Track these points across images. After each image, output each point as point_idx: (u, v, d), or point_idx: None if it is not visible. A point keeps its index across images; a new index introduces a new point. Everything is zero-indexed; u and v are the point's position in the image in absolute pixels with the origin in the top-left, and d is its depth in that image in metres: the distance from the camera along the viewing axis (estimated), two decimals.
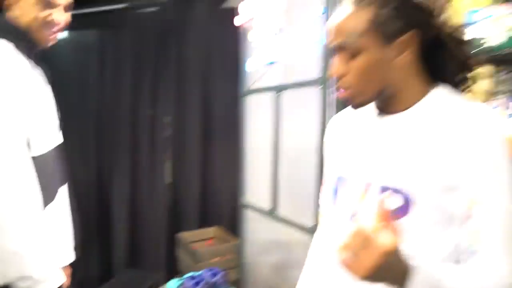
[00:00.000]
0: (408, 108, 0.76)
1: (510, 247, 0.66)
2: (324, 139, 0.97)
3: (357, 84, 0.74)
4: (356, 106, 0.78)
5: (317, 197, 1.61)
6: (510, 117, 1.60)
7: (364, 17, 0.70)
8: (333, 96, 1.73)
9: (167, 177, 3.28)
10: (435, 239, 0.70)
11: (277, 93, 2.18)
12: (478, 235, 0.66)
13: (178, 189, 3.26)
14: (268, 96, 2.28)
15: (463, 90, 0.79)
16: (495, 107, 1.63)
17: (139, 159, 3.14)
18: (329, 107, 1.71)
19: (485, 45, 1.57)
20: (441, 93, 0.75)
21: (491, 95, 1.76)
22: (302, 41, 1.93)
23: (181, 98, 3.19)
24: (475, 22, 1.61)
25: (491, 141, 0.67)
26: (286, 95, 2.14)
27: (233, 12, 2.77)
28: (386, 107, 0.78)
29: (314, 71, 1.86)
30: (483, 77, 1.77)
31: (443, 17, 0.73)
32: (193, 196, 3.21)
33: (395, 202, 0.71)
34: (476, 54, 1.08)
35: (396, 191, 0.72)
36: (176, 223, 3.22)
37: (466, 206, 0.67)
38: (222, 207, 3.17)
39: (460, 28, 0.78)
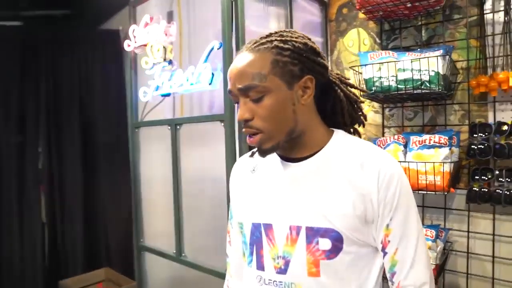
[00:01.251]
0: (317, 152, 0.80)
1: (424, 260, 0.75)
2: (230, 183, 0.96)
3: (265, 126, 0.75)
4: (265, 152, 0.78)
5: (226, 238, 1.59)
6: (401, 146, 1.73)
7: (266, 61, 0.74)
8: (238, 132, 1.66)
9: (42, 215, 2.82)
10: (366, 270, 0.77)
11: (175, 126, 2.07)
12: (398, 257, 0.75)
13: (56, 228, 2.81)
14: (164, 129, 2.14)
15: (353, 132, 0.89)
16: (388, 139, 1.77)
17: (4, 194, 2.63)
18: (233, 143, 1.63)
19: (375, 86, 1.69)
20: (341, 137, 0.83)
21: (381, 128, 1.96)
22: (200, 74, 1.81)
23: (57, 124, 2.80)
24: (366, 64, 1.74)
25: (394, 174, 0.75)
26: (186, 129, 2.04)
27: (117, 34, 2.57)
28: (295, 150, 0.81)
29: (215, 106, 1.80)
30: (375, 112, 1.93)
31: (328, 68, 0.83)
32: (76, 235, 2.83)
33: (325, 243, 0.75)
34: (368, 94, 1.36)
35: (325, 231, 0.75)
36: (57, 267, 2.80)
37: (383, 234, 0.75)
38: (112, 247, 2.87)
39: (347, 82, 0.89)
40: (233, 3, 1.63)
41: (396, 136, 1.75)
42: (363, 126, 0.91)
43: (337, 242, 0.75)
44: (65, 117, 2.80)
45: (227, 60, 1.64)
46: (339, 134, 0.83)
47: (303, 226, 0.77)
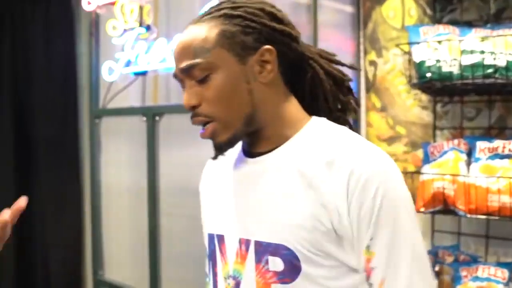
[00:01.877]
0: (282, 143, 0.71)
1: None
2: (199, 188, 0.89)
3: (215, 112, 0.68)
4: (221, 148, 0.70)
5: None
6: (463, 155, 1.47)
7: (211, 32, 0.67)
8: None
9: None
10: None
11: (153, 117, 1.80)
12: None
13: None
14: (136, 120, 1.86)
15: (340, 122, 0.76)
16: (443, 144, 1.53)
17: None
18: None
19: (431, 72, 1.44)
20: (316, 126, 0.72)
21: (431, 129, 1.66)
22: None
23: None
24: (418, 42, 1.46)
25: (374, 176, 0.63)
26: (168, 120, 1.78)
27: None
28: (256, 143, 0.73)
29: None
30: (422, 108, 1.63)
31: (302, 42, 0.74)
32: (3, 265, 2.30)
33: (276, 263, 0.67)
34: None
35: (276, 248, 0.66)
36: None
37: (364, 258, 0.64)
38: (53, 281, 2.38)
39: (331, 58, 0.78)
40: None
41: (455, 141, 1.49)
42: (355, 113, 0.84)
43: (292, 262, 0.66)
44: None
45: None
46: (316, 123, 0.73)
47: (252, 239, 0.70)
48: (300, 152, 0.69)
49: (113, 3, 1.76)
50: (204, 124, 0.69)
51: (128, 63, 1.78)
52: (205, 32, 0.68)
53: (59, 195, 2.34)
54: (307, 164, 0.67)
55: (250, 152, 0.75)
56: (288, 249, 0.65)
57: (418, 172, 1.53)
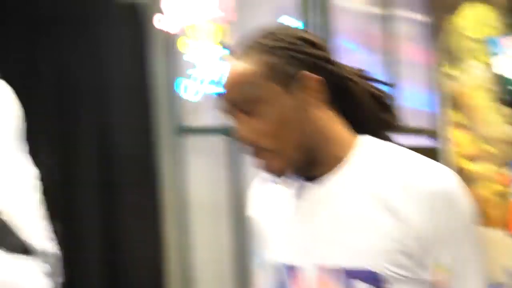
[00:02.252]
0: (337, 164, 0.72)
1: None
2: (250, 211, 0.88)
3: (272, 144, 0.70)
4: (279, 175, 0.72)
5: None
6: None
7: (255, 66, 0.70)
8: None
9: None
10: None
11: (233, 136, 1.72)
12: None
13: (66, 264, 2.35)
14: (215, 139, 1.94)
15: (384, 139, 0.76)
16: None
17: None
18: None
19: None
20: (369, 145, 0.73)
21: None
22: None
23: (65, 129, 2.43)
24: (495, 53, 1.53)
25: (452, 196, 0.65)
26: None
27: (142, 8, 2.25)
28: (311, 167, 0.73)
29: None
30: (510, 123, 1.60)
31: (342, 65, 0.76)
32: (92, 273, 2.42)
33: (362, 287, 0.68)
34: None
35: (361, 273, 0.67)
36: None
37: (436, 273, 0.66)
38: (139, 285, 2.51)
39: (368, 76, 0.78)
40: None
41: None
42: (396, 131, 0.81)
43: (378, 286, 0.66)
44: (72, 121, 2.44)
45: None
46: (366, 141, 0.74)
47: (333, 266, 0.70)
48: (367, 173, 0.71)
49: (187, 23, 1.82)
50: (260, 155, 0.72)
51: (206, 82, 1.82)
52: (250, 65, 0.70)
53: (140, 212, 2.43)
54: (380, 186, 0.68)
55: (306, 176, 0.76)
56: (373, 272, 0.67)
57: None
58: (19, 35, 2.31)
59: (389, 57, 1.71)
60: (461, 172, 1.76)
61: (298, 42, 0.72)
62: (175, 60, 2.02)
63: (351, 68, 0.79)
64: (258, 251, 0.88)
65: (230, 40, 1.76)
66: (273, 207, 0.82)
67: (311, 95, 0.71)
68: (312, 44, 0.72)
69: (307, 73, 0.70)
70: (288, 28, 0.79)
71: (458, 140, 1.71)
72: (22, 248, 0.99)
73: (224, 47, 1.76)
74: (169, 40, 2.00)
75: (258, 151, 0.71)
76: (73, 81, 2.38)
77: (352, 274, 0.68)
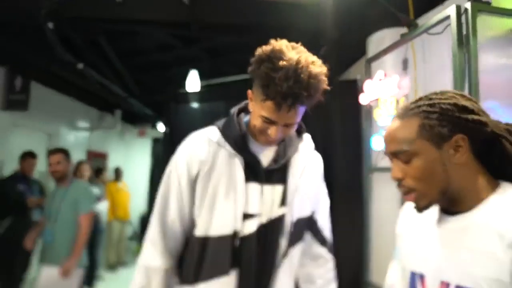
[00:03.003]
0: (476, 205, 0.79)
1: None
2: (397, 228, 1.00)
3: (417, 186, 0.79)
4: (420, 209, 0.82)
5: None
6: None
7: (413, 126, 0.79)
8: None
9: None
10: None
11: None
12: None
13: None
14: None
15: None
16: None
17: None
18: None
19: None
20: (507, 192, 0.78)
21: None
22: None
23: None
24: None
25: None
26: None
27: (354, 85, 2.89)
28: (451, 206, 0.82)
29: None
30: None
31: (488, 120, 0.80)
32: None
33: None
34: None
35: None
36: None
37: None
38: (343, 280, 3.11)
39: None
40: (468, 50, 1.65)
41: None
42: None
43: None
44: None
45: None
46: (506, 188, 0.79)
47: (452, 283, 0.77)
48: (498, 214, 0.75)
49: (378, 99, 2.36)
50: (406, 192, 0.82)
51: None
52: (409, 125, 0.80)
53: (349, 224, 3.03)
54: (506, 227, 0.72)
55: (448, 210, 0.83)
56: None
57: None
58: None
59: None
60: None
61: (451, 108, 0.78)
62: (372, 123, 2.56)
63: (501, 123, 0.84)
64: (397, 259, 0.99)
65: None
66: (416, 228, 0.91)
67: (459, 152, 0.77)
68: (466, 109, 0.78)
69: (460, 135, 0.77)
70: (444, 94, 0.82)
71: None
72: (325, 241, 1.34)
73: None
74: (369, 109, 2.58)
75: (406, 190, 0.81)
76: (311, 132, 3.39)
77: None
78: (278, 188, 1.20)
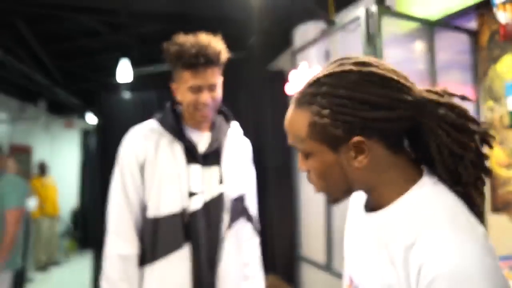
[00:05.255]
0: (387, 205, 0.68)
1: None
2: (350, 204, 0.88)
3: (319, 184, 0.71)
4: (330, 203, 0.75)
5: None
6: None
7: (303, 123, 0.67)
8: None
9: None
10: None
11: None
12: None
13: None
14: None
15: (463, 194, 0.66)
16: None
17: None
18: None
19: None
20: (418, 193, 0.66)
21: None
22: None
23: None
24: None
25: (441, 278, 0.55)
26: None
27: (281, 75, 3.05)
28: (370, 202, 0.73)
29: None
30: None
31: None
32: None
33: None
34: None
35: None
36: None
37: None
38: (277, 255, 3.38)
39: (459, 112, 0.66)
40: (374, 46, 1.91)
41: None
42: (479, 190, 0.67)
43: None
44: None
45: None
46: (419, 189, 0.66)
47: (358, 286, 0.74)
48: (392, 225, 0.66)
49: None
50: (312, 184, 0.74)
51: None
52: (300, 119, 0.67)
53: (284, 198, 3.28)
54: (393, 241, 0.64)
55: (366, 205, 0.76)
56: None
57: None
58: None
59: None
60: (495, 176, 1.92)
61: (347, 102, 0.63)
62: None
63: (442, 111, 0.64)
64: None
65: None
66: (353, 223, 0.82)
67: (361, 155, 0.65)
68: (368, 103, 0.63)
69: (359, 138, 0.63)
70: (343, 74, 0.65)
71: (495, 153, 1.91)
72: (250, 218, 1.48)
73: None
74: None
75: (311, 182, 0.74)
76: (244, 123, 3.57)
77: None
78: (215, 169, 1.37)
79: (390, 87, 0.65)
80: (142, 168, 1.32)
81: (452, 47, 2.21)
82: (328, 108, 0.64)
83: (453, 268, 0.54)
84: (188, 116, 1.38)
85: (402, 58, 2.16)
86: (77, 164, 7.74)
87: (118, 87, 4.14)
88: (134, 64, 4.74)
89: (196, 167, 1.34)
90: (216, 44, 1.29)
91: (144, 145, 1.33)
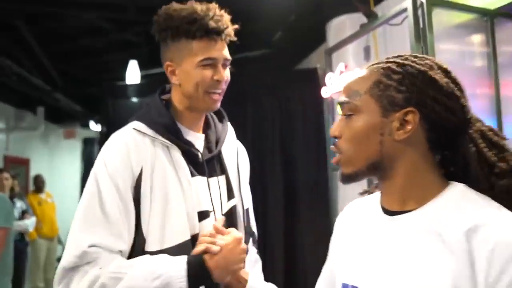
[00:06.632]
0: (419, 206, 0.77)
1: None
2: (336, 224, 0.98)
3: (347, 149, 0.80)
4: (344, 178, 0.83)
5: None
6: None
7: (369, 80, 0.79)
8: None
9: None
10: None
11: None
12: None
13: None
14: None
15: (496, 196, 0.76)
16: None
17: None
18: None
19: None
20: (458, 192, 0.76)
21: None
22: None
23: (261, 163, 3.38)
24: None
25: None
26: None
27: (314, 74, 3.09)
28: (391, 200, 0.81)
29: None
30: None
31: (462, 109, 0.77)
32: (276, 275, 3.26)
33: None
34: None
35: None
36: None
37: None
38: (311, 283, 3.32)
39: (491, 129, 0.80)
40: (425, 42, 1.86)
41: None
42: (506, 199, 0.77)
43: None
44: (268, 156, 3.41)
45: None
46: (456, 188, 0.77)
47: None
48: (441, 216, 0.73)
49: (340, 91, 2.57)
50: (337, 154, 0.82)
51: None
52: (367, 78, 0.79)
53: (313, 224, 3.22)
54: (449, 230, 0.70)
55: (386, 209, 0.82)
56: None
57: None
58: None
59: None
60: None
61: (418, 74, 0.75)
62: (335, 117, 2.73)
63: (483, 124, 0.80)
64: (328, 263, 0.99)
65: None
66: (355, 230, 0.89)
67: (403, 128, 0.75)
68: (433, 83, 0.75)
69: (412, 108, 0.74)
70: (424, 59, 0.79)
71: None
72: (251, 232, 1.35)
73: None
74: (331, 103, 2.81)
75: (335, 149, 0.82)
76: (269, 126, 3.44)
77: None
78: (220, 179, 1.25)
79: (458, 88, 0.78)
80: (137, 185, 1.11)
81: None
82: (399, 73, 0.76)
83: None
84: (183, 107, 1.22)
85: (457, 54, 2.12)
86: (78, 178, 7.85)
87: (124, 91, 4.20)
88: (142, 65, 4.82)
89: (201, 179, 1.20)
90: (228, 17, 1.19)
91: (139, 155, 1.13)
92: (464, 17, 2.05)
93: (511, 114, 2.04)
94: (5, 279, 2.85)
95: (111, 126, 3.83)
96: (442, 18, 1.95)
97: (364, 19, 2.50)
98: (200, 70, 1.15)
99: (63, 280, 1.05)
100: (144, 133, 1.16)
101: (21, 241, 4.65)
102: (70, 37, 4.98)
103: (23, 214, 4.87)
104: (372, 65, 0.82)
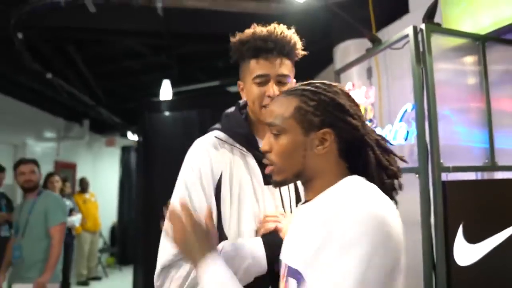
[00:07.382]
0: (317, 195, 0.84)
1: None
2: None
3: (276, 161, 0.86)
4: (275, 183, 0.90)
5: None
6: None
7: (290, 106, 0.85)
8: (432, 184, 1.80)
9: None
10: None
11: None
12: None
13: None
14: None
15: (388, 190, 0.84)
16: None
17: None
18: (427, 194, 1.80)
19: None
20: (344, 184, 0.81)
21: None
22: (396, 131, 2.11)
23: None
24: None
25: (340, 211, 0.72)
26: None
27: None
28: (307, 192, 0.89)
29: (410, 159, 1.99)
30: None
31: (364, 125, 0.86)
32: None
33: (291, 282, 0.80)
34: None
35: (291, 270, 0.81)
36: None
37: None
38: None
39: (383, 137, 0.90)
40: (423, 69, 1.83)
41: None
42: (393, 193, 0.86)
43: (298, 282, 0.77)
44: None
45: (420, 119, 1.85)
46: (345, 181, 0.82)
47: (284, 262, 0.86)
48: (322, 202, 0.81)
49: None
50: (269, 165, 0.89)
51: None
52: (288, 103, 0.85)
53: None
54: (324, 207, 0.79)
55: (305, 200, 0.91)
56: (298, 272, 0.77)
57: None
58: None
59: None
60: None
61: (329, 101, 0.83)
62: None
63: (375, 134, 0.89)
64: None
65: (372, 116, 2.41)
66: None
67: (323, 144, 0.83)
68: (341, 108, 0.83)
69: (327, 129, 0.82)
70: (331, 87, 0.86)
71: None
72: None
73: (368, 120, 2.35)
74: None
75: (268, 162, 0.88)
76: None
77: (289, 270, 0.82)
78: (291, 186, 1.16)
79: (358, 108, 0.87)
80: (217, 190, 1.08)
81: (506, 61, 2.12)
82: (315, 101, 0.83)
83: (349, 208, 0.72)
84: (255, 120, 1.16)
85: (453, 73, 2.09)
86: (117, 180, 7.94)
87: (158, 106, 4.24)
88: (173, 83, 4.87)
89: (273, 189, 1.12)
90: (290, 34, 1.12)
91: (219, 158, 1.10)
92: (459, 41, 2.04)
93: (501, 126, 2.01)
94: (58, 268, 2.88)
95: (146, 136, 3.87)
96: (440, 42, 1.94)
97: (367, 44, 2.47)
98: (255, 86, 1.11)
99: (161, 274, 1.02)
100: (224, 141, 1.14)
101: (69, 235, 4.69)
102: (112, 60, 5.09)
103: (71, 212, 4.93)
104: (289, 91, 0.88)
